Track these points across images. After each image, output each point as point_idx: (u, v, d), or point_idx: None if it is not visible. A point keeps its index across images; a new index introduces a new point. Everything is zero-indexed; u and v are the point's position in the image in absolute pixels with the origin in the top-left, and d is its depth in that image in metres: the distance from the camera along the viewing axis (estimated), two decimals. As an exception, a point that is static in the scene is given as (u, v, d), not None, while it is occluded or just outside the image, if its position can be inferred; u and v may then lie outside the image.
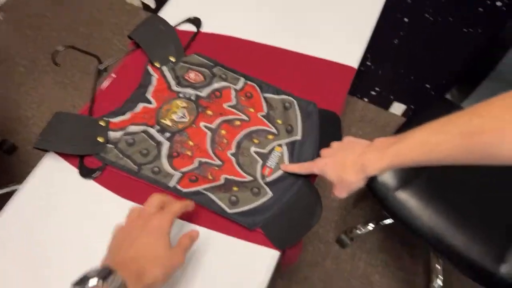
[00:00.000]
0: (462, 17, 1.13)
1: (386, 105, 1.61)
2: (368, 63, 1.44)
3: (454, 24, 1.16)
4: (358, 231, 1.33)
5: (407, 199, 0.93)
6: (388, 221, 1.33)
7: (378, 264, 1.35)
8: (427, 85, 1.40)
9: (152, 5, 1.77)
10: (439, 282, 1.25)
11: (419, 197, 0.93)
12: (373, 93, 1.58)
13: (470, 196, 0.95)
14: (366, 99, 1.63)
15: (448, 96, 1.12)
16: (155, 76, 0.75)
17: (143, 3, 1.78)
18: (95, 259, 0.47)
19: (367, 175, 0.54)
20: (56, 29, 1.81)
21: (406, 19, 1.22)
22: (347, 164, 0.55)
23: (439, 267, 1.27)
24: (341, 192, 0.58)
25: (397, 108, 1.60)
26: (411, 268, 1.35)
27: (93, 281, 0.37)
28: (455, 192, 0.95)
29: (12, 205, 0.63)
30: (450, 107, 1.09)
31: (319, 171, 0.61)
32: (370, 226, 1.33)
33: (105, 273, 0.38)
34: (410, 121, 1.07)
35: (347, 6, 0.87)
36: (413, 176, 0.95)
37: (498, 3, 1.05)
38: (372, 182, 0.96)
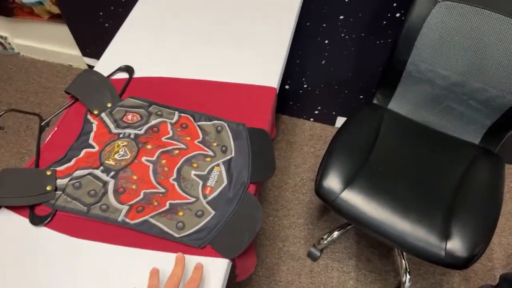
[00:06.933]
0: (372, 31, 1.28)
1: (331, 121, 1.73)
2: (305, 86, 1.56)
3: (367, 38, 1.30)
4: (325, 241, 1.38)
5: (352, 197, 1.01)
6: (351, 226, 1.39)
7: (350, 270, 1.40)
8: (361, 96, 1.53)
9: (98, 65, 1.86)
10: (407, 276, 1.30)
11: (363, 194, 1.01)
12: (316, 112, 1.69)
13: (407, 183, 1.04)
14: (312, 119, 1.74)
15: (375, 101, 1.23)
16: (95, 123, 0.81)
17: (88, 65, 1.87)
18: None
19: None
20: (6, 103, 1.84)
21: (326, 41, 1.35)
22: None
23: (404, 262, 1.33)
24: None
25: (342, 122, 1.71)
26: (381, 267, 1.40)
27: None
28: (394, 182, 1.04)
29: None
30: (377, 109, 1.21)
31: None
32: (336, 234, 1.39)
33: None
34: (345, 127, 1.17)
35: (261, 39, 0.98)
36: (354, 175, 1.03)
37: (397, 14, 1.21)
38: (319, 189, 1.03)
